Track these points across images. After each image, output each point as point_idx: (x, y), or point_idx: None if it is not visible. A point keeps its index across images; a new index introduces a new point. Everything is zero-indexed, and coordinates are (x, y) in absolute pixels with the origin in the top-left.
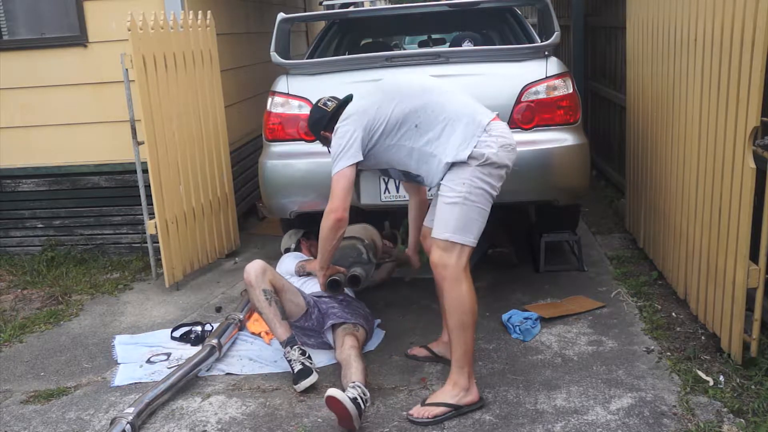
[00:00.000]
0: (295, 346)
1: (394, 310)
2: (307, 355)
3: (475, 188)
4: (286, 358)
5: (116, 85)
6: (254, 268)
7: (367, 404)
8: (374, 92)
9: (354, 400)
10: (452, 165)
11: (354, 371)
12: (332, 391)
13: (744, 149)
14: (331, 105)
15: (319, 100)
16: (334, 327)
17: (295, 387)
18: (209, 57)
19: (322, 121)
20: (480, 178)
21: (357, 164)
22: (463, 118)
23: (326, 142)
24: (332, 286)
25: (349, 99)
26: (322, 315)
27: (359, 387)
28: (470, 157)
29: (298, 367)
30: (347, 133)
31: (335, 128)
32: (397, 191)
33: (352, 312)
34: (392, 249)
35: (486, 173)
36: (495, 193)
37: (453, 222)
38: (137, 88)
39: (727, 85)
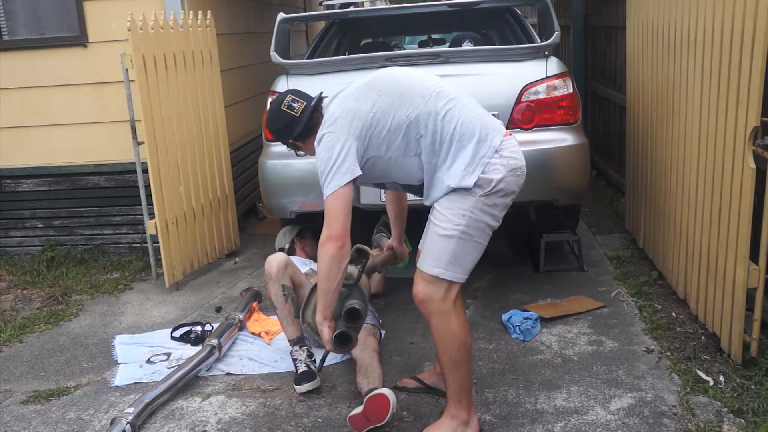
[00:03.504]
0: (304, 347)
1: (394, 310)
2: (313, 358)
3: (475, 221)
4: (292, 356)
5: (116, 85)
6: (276, 260)
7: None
8: (365, 91)
9: None
10: (454, 189)
11: (377, 376)
12: (387, 392)
13: (744, 149)
14: (299, 107)
15: (280, 102)
16: None
17: (296, 387)
18: (209, 57)
19: (291, 129)
20: (482, 210)
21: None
22: (474, 134)
23: (297, 149)
24: (343, 341)
25: (320, 98)
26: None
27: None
28: (476, 184)
29: (302, 368)
30: (337, 142)
31: (320, 136)
32: None
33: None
34: (366, 259)
35: (490, 204)
36: (497, 225)
37: (446, 257)
38: (137, 88)
39: (727, 85)
